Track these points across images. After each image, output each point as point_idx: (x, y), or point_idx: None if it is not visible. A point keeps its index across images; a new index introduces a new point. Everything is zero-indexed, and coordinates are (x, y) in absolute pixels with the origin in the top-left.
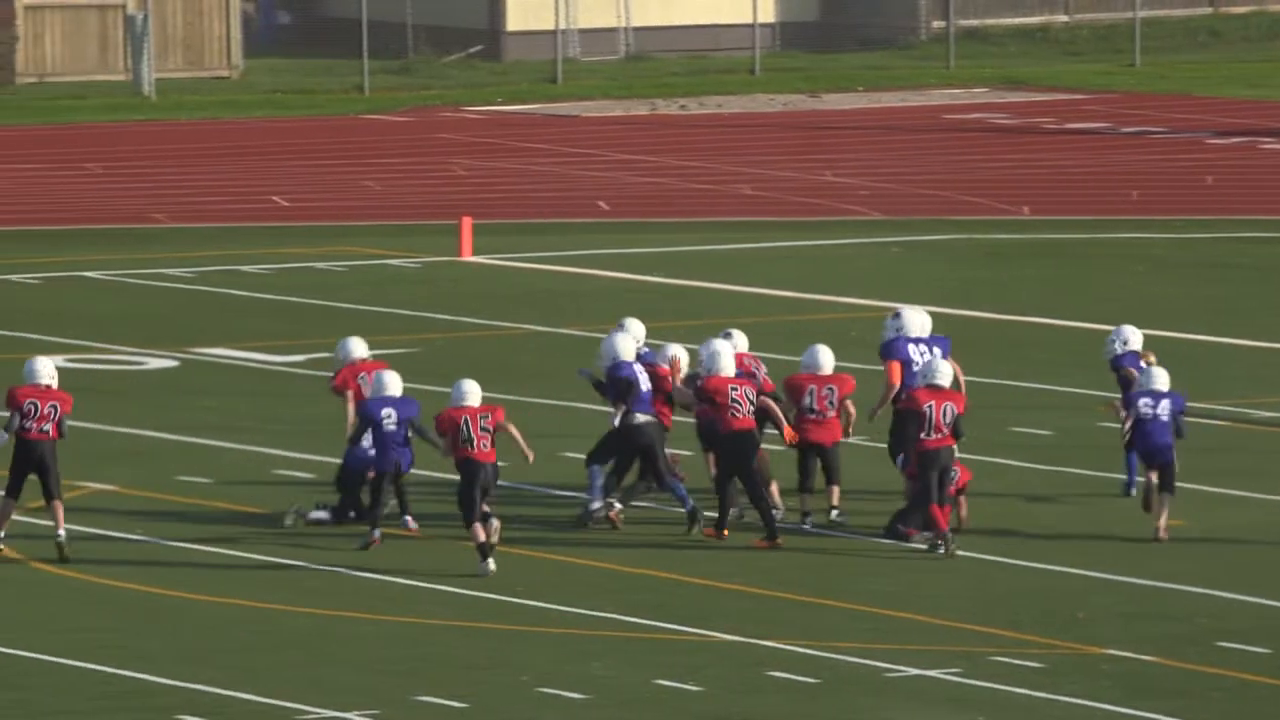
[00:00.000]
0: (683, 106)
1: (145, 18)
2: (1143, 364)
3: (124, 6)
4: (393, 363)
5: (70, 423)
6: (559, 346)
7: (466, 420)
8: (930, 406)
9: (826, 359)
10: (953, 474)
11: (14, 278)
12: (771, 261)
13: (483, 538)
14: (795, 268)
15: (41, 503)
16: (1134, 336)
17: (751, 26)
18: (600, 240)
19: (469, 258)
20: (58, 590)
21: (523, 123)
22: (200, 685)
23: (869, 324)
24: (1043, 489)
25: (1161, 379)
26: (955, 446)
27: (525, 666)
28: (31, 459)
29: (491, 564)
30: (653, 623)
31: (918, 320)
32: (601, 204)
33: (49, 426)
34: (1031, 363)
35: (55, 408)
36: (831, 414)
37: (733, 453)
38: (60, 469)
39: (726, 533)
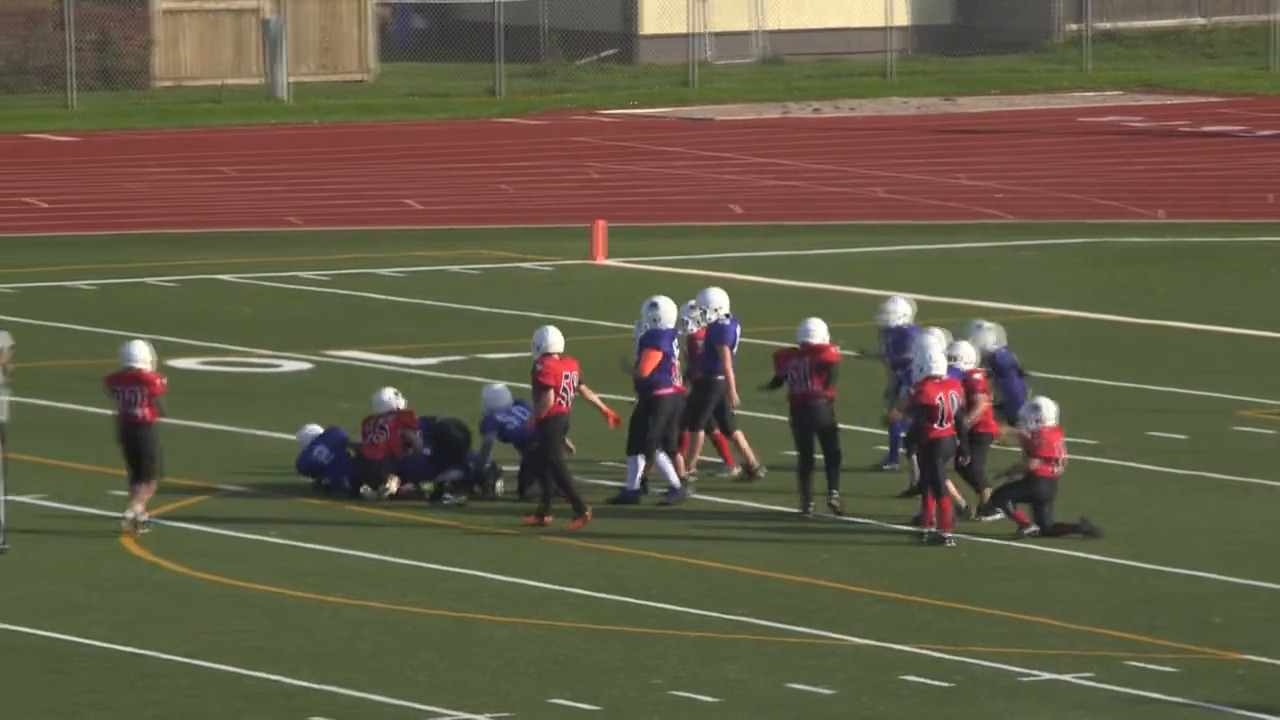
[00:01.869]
0: (816, 109)
1: (281, 22)
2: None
3: (260, 11)
4: (527, 366)
5: (206, 425)
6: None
7: None
8: (941, 398)
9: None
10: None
11: (150, 280)
12: (904, 265)
13: None
14: (928, 271)
15: (190, 500)
16: (909, 307)
17: (885, 29)
18: (733, 243)
19: (602, 261)
20: (191, 592)
21: (656, 126)
22: (333, 687)
23: (1004, 328)
24: (1178, 494)
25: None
26: (956, 435)
27: (658, 669)
28: (130, 442)
29: None
30: (786, 626)
31: (674, 311)
32: (734, 207)
33: (139, 410)
34: (1166, 367)
35: (136, 393)
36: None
37: (554, 434)
38: (159, 455)
39: (549, 519)
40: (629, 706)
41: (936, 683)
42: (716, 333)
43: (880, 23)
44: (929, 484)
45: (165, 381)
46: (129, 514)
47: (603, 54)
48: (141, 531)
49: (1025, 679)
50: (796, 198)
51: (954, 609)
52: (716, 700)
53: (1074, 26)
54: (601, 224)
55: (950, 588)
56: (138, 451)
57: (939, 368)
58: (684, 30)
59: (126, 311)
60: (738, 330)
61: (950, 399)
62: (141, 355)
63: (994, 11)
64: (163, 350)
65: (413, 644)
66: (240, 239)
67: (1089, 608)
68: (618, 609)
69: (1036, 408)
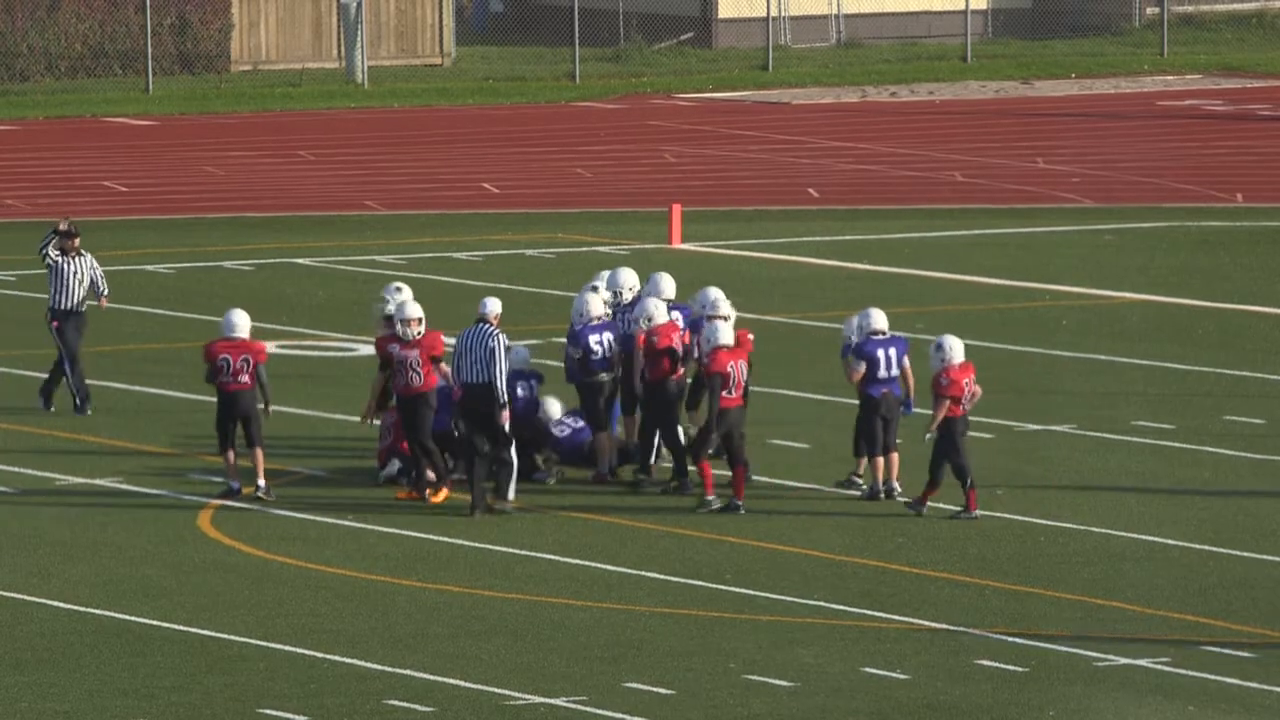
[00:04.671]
0: (894, 94)
1: (359, 6)
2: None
3: None
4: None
5: (282, 409)
6: (768, 333)
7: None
8: (732, 366)
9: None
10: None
11: (228, 264)
12: (982, 249)
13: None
14: (1006, 255)
15: (251, 488)
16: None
17: (964, 13)
18: (810, 227)
19: (679, 245)
20: (268, 575)
21: (733, 110)
22: (409, 670)
23: (1081, 312)
24: (1254, 478)
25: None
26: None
27: (732, 653)
28: (234, 410)
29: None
30: (861, 610)
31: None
32: (811, 191)
33: (245, 378)
34: (1244, 351)
35: (248, 361)
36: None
37: (416, 413)
38: (264, 426)
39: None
40: (703, 690)
41: (1011, 667)
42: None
43: (959, 6)
44: (699, 450)
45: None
46: (261, 483)
47: (680, 38)
48: (269, 498)
49: (1101, 664)
50: (873, 182)
51: (1028, 594)
52: (791, 684)
53: (1153, 10)
54: (677, 208)
55: (1025, 573)
56: (245, 418)
57: (726, 338)
58: (762, 14)
59: (204, 295)
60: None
61: (740, 368)
62: (246, 323)
63: None
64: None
65: (488, 628)
66: (318, 223)
67: (1164, 592)
68: (692, 593)
69: (940, 346)
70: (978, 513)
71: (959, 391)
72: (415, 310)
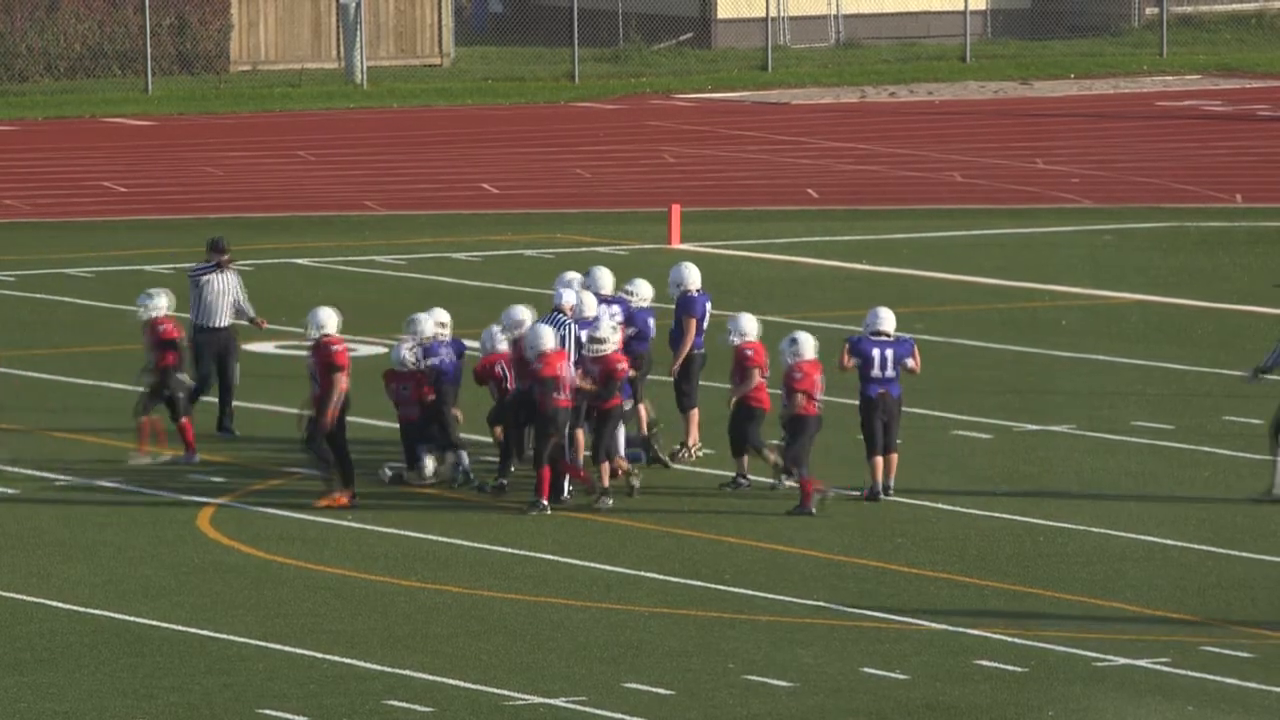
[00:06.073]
0: (893, 94)
1: (358, 6)
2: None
3: None
4: None
5: (282, 409)
6: (768, 334)
7: None
8: (560, 367)
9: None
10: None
11: None
12: (981, 249)
13: None
14: (1005, 255)
15: (266, 483)
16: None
17: (963, 13)
18: (809, 228)
19: (678, 245)
20: (267, 575)
21: (732, 110)
22: (408, 670)
23: (1081, 312)
24: (1254, 479)
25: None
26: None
27: (732, 654)
28: None
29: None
30: (860, 610)
31: (609, 280)
32: (811, 191)
33: None
34: (1243, 351)
35: None
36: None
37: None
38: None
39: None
40: (703, 690)
41: (1011, 668)
42: (685, 305)
43: (958, 6)
44: (546, 454)
45: None
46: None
47: (680, 38)
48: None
49: (1100, 664)
50: (873, 182)
51: (1028, 593)
52: (790, 685)
53: (1152, 10)
54: (677, 208)
55: (1024, 572)
56: None
57: (549, 342)
58: (761, 14)
59: None
60: (707, 305)
61: (567, 368)
62: None
63: None
64: (239, 334)
65: (487, 628)
66: (317, 223)
67: (1164, 593)
68: (691, 593)
69: (794, 341)
70: (813, 508)
71: (810, 385)
72: (320, 316)
